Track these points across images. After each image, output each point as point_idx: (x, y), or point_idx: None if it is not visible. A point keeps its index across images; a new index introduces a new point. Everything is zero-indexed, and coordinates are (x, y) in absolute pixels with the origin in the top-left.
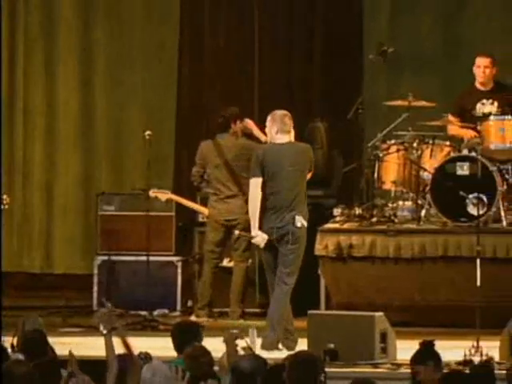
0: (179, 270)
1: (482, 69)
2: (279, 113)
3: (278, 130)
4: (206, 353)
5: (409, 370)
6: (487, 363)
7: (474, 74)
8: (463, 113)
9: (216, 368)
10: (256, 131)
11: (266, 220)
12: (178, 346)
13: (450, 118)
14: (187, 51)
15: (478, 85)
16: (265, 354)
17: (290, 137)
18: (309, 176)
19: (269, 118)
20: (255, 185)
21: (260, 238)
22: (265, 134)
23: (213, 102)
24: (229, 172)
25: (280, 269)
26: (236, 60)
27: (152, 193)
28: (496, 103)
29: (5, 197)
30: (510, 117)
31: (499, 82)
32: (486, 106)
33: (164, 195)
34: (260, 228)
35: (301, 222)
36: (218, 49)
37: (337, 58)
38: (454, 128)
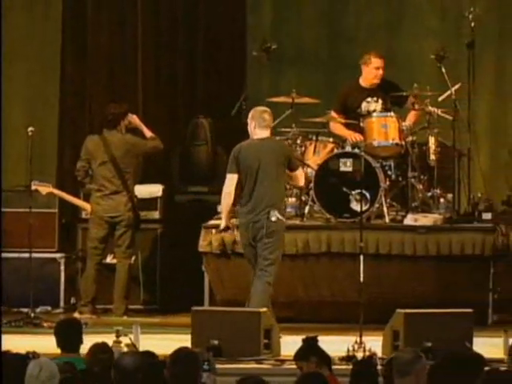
0: (62, 267)
1: (380, 70)
2: (259, 109)
3: (256, 125)
4: (107, 350)
5: (292, 366)
6: (370, 359)
7: (366, 72)
8: (347, 111)
9: None
10: (141, 126)
11: (242, 215)
12: (61, 344)
13: (333, 115)
14: (70, 47)
15: (363, 83)
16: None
17: (269, 132)
18: (299, 172)
19: (249, 115)
20: (230, 180)
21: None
22: (149, 129)
23: (96, 98)
24: (115, 168)
25: (260, 261)
26: (119, 56)
27: (33, 185)
28: (381, 101)
29: None
30: (392, 113)
31: (384, 79)
32: (371, 104)
33: (45, 189)
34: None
35: (276, 216)
36: (101, 45)
37: (220, 55)
38: (339, 128)
